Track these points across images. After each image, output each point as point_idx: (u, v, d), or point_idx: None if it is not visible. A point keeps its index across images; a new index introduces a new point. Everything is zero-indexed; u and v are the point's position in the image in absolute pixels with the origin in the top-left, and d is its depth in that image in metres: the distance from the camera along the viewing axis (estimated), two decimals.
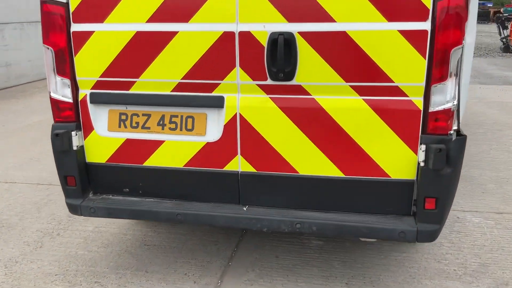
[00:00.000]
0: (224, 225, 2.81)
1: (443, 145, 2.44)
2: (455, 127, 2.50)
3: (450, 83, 2.42)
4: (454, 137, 2.47)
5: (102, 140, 2.89)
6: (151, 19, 2.64)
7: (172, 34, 2.63)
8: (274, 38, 2.50)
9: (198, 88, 2.69)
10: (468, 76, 3.19)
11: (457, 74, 2.43)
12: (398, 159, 2.56)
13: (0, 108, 7.80)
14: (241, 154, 2.73)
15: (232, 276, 3.12)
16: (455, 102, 2.45)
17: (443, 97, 2.44)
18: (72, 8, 2.71)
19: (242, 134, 2.70)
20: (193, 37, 2.61)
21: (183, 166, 2.82)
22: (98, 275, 3.16)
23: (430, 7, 2.34)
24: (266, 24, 2.52)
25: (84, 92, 2.84)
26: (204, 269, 3.19)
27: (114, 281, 3.08)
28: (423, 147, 2.47)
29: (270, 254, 3.37)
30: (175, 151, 2.81)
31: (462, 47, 2.39)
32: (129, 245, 3.53)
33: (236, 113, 2.68)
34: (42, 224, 3.92)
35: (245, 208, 2.80)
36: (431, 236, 2.59)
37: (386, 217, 2.64)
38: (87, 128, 2.89)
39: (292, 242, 3.52)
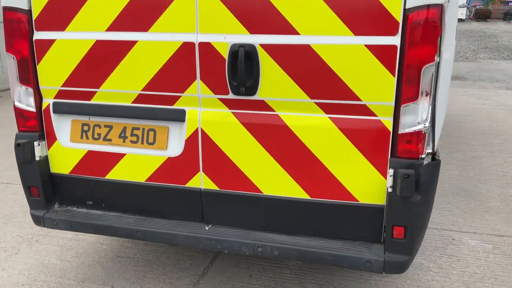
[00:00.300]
0: (184, 244, 2.67)
1: (412, 170, 2.23)
2: (428, 151, 2.30)
3: (422, 103, 2.21)
4: (425, 162, 2.26)
5: (65, 151, 2.80)
6: (111, 28, 2.52)
7: (131, 43, 2.51)
8: (235, 50, 2.34)
9: (160, 101, 2.57)
10: (445, 96, 2.95)
11: (431, 93, 2.22)
12: (366, 183, 2.37)
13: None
14: (203, 171, 2.59)
15: None
16: (427, 124, 2.24)
17: (414, 118, 2.23)
18: (34, 15, 2.62)
19: (204, 150, 2.56)
20: (153, 47, 2.48)
21: (145, 181, 2.70)
22: (64, 287, 3.09)
23: (400, 20, 2.14)
24: (227, 35, 2.37)
25: (48, 101, 2.76)
26: (172, 286, 3.07)
27: None
28: (391, 171, 2.27)
29: (244, 273, 3.22)
30: (136, 165, 2.70)
31: (437, 64, 2.18)
32: (102, 256, 3.44)
33: (197, 128, 2.54)
34: (24, 229, 3.89)
35: (207, 228, 2.66)
36: (399, 268, 2.38)
37: (354, 244, 2.46)
38: (51, 138, 2.81)
39: (270, 260, 3.36)
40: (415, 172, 2.23)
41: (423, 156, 2.27)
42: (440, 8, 2.09)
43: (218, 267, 3.29)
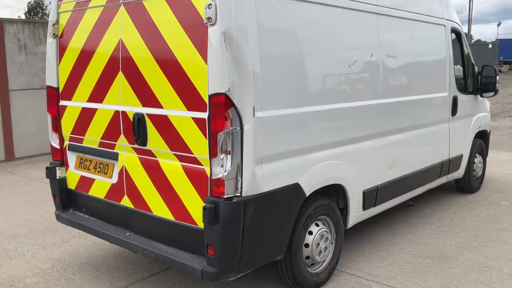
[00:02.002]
0: (114, 243, 3.98)
1: (213, 205, 3.16)
2: (232, 194, 3.18)
3: (223, 158, 3.15)
4: (224, 200, 3.15)
5: (72, 174, 4.45)
6: (88, 99, 4.11)
7: (95, 109, 4.04)
8: (135, 117, 3.66)
9: (108, 146, 4.01)
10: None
11: (232, 152, 3.14)
12: (199, 212, 3.35)
13: None
14: (127, 194, 3.91)
15: None
16: (225, 173, 3.14)
17: (218, 169, 3.17)
18: (60, 90, 4.40)
19: (126, 180, 3.89)
20: (104, 112, 3.97)
21: (103, 197, 4.14)
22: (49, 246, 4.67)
23: (207, 102, 3.18)
24: (133, 107, 3.71)
25: (66, 142, 4.47)
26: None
27: None
28: (204, 204, 3.24)
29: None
30: (100, 186, 4.16)
31: (231, 132, 3.11)
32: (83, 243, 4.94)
33: (123, 165, 3.90)
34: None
35: (127, 234, 3.93)
36: (212, 277, 3.28)
37: (192, 255, 3.43)
38: (67, 165, 4.49)
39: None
40: (215, 207, 3.15)
41: (227, 196, 3.16)
42: (224, 95, 3.05)
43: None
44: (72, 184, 4.47)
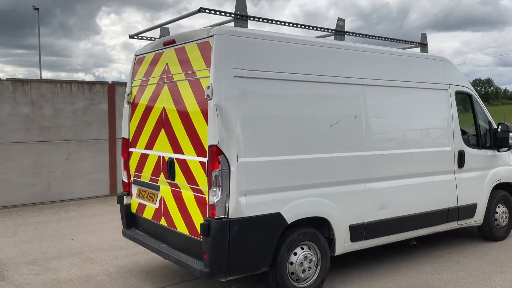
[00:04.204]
0: (154, 252, 5.48)
1: (207, 223, 4.53)
2: (221, 216, 4.52)
3: (215, 190, 4.53)
4: (215, 220, 4.50)
5: (134, 202, 6.11)
6: (145, 147, 5.79)
7: (147, 154, 5.70)
8: (169, 160, 5.23)
9: (154, 181, 5.61)
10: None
11: (222, 185, 4.51)
12: None
13: None
14: (163, 216, 5.44)
15: None
16: (216, 200, 4.51)
17: (212, 198, 4.56)
18: (130, 140, 6.16)
19: (163, 206, 5.42)
20: (153, 156, 5.60)
21: (151, 218, 5.71)
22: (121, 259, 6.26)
23: (207, 150, 4.63)
24: (168, 153, 5.29)
25: (132, 178, 6.18)
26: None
27: None
28: (201, 222, 4.62)
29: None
30: (149, 210, 5.75)
31: (222, 171, 4.49)
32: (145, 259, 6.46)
33: (162, 195, 5.45)
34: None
35: (162, 245, 5.41)
36: (206, 276, 4.60)
37: (197, 260, 4.78)
38: (131, 195, 6.18)
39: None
40: (208, 224, 4.52)
41: (217, 217, 4.51)
42: (216, 146, 4.48)
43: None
44: (134, 209, 6.13)
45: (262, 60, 4.84)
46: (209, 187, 4.59)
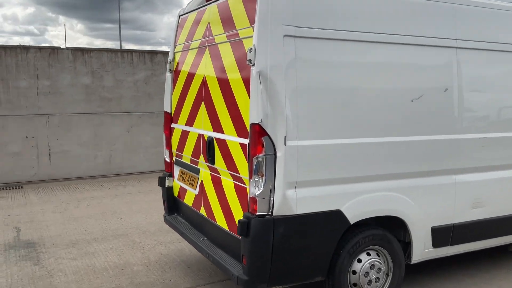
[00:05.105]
0: (192, 245, 4.69)
1: (246, 220, 3.62)
2: (264, 212, 3.59)
3: (258, 180, 3.59)
4: (256, 217, 3.58)
5: (176, 184, 5.35)
6: (186, 123, 4.96)
7: (188, 132, 4.87)
8: (208, 139, 4.36)
9: (195, 163, 4.78)
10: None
11: (265, 174, 3.57)
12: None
13: None
14: (203, 204, 4.61)
15: None
16: (258, 193, 3.57)
17: (253, 189, 3.62)
18: (172, 114, 5.37)
19: (203, 192, 4.59)
20: (193, 134, 4.76)
21: (191, 205, 4.92)
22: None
23: (248, 130, 3.67)
24: (208, 132, 4.42)
25: (173, 158, 5.41)
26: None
27: None
28: (239, 219, 3.72)
29: None
30: (189, 196, 4.95)
31: (265, 156, 3.55)
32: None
33: (201, 180, 4.61)
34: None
35: (202, 238, 4.61)
36: (244, 284, 3.70)
37: (237, 262, 3.91)
38: (173, 177, 5.42)
39: None
40: (248, 222, 3.61)
41: (259, 213, 3.59)
42: (258, 125, 3.51)
43: None
44: (176, 192, 5.38)
45: (322, 14, 3.75)
46: (250, 176, 3.66)
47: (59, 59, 10.08)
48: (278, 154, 3.57)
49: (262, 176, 3.58)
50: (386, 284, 4.22)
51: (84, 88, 10.39)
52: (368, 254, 4.11)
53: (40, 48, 10.01)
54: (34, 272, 5.19)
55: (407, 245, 4.34)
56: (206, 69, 4.48)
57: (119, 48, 10.36)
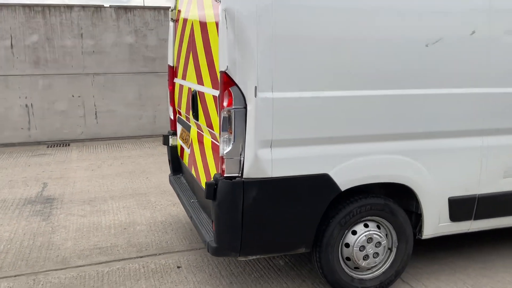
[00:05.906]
0: (184, 208, 4.37)
1: (214, 182, 3.21)
2: (233, 173, 3.15)
3: (226, 137, 3.14)
4: (223, 179, 3.15)
5: (179, 143, 5.04)
6: (181, 77, 4.58)
7: (182, 86, 4.49)
8: (193, 93, 3.95)
9: (188, 119, 4.41)
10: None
11: (234, 131, 3.11)
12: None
13: None
14: (192, 164, 4.26)
15: None
16: (225, 152, 3.13)
17: (222, 147, 3.17)
18: (175, 69, 5.00)
19: (192, 151, 4.23)
20: (185, 88, 4.38)
21: (187, 165, 4.58)
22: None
23: (219, 79, 3.20)
24: (193, 84, 4.00)
25: (177, 116, 5.07)
26: None
27: None
28: (206, 181, 3.31)
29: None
30: (186, 155, 4.62)
31: (233, 110, 3.07)
32: None
33: (191, 138, 4.24)
34: None
35: (192, 201, 4.27)
36: (213, 252, 3.33)
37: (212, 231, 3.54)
38: (176, 135, 5.11)
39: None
40: (214, 184, 3.19)
41: (227, 175, 3.15)
42: (225, 73, 3.02)
43: None
44: (179, 152, 5.07)
45: None
46: (220, 133, 3.21)
47: (102, 17, 10.04)
48: (248, 108, 3.09)
49: (230, 133, 3.12)
50: (388, 260, 3.66)
51: (127, 47, 10.31)
52: (366, 226, 3.56)
53: (83, 7, 10.00)
54: (40, 227, 5.18)
55: (418, 217, 3.72)
56: (192, 14, 4.03)
57: (160, 6, 10.01)
